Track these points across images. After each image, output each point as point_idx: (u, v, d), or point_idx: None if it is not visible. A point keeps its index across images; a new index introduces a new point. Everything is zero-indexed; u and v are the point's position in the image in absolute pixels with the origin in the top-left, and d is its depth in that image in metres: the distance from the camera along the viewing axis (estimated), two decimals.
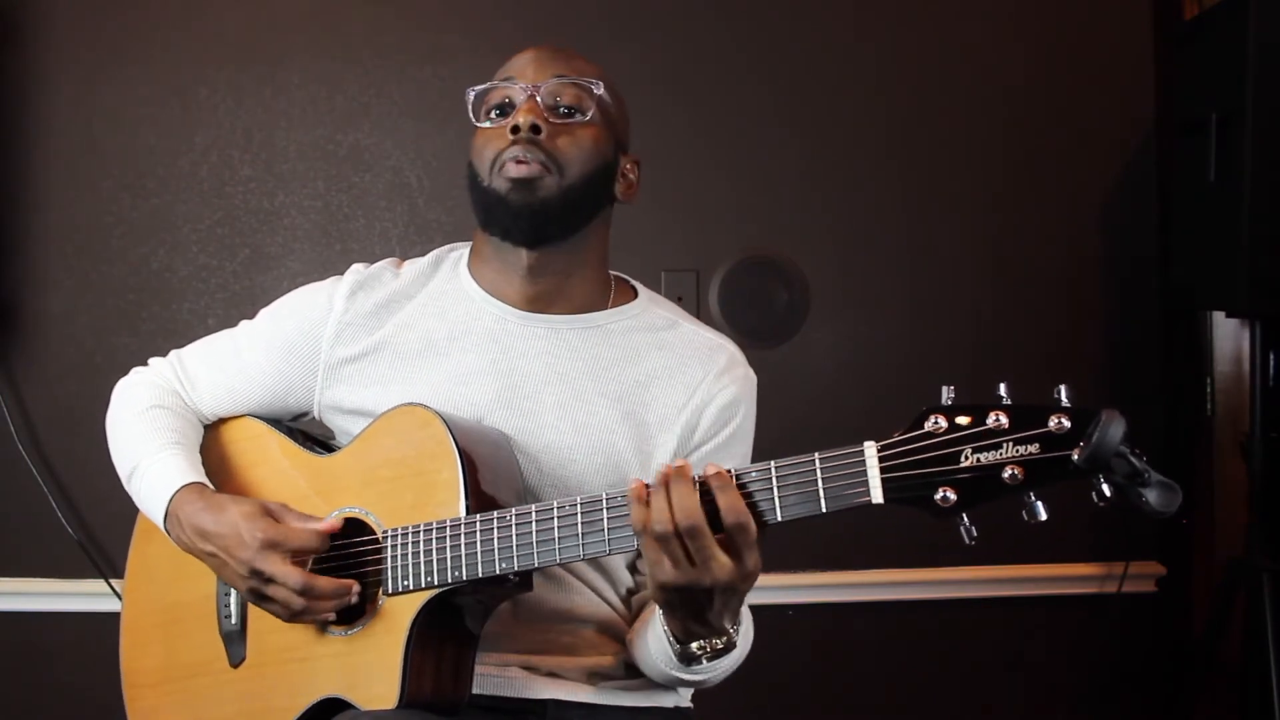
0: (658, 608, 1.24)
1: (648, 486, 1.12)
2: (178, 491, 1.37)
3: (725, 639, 1.20)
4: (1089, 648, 2.59)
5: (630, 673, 1.45)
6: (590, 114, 1.39)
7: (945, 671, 2.57)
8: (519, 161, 1.34)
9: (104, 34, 2.44)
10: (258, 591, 1.30)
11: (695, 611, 1.15)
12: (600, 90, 1.39)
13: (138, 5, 2.44)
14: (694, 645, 1.21)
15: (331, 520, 1.32)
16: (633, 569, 1.46)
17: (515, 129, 1.35)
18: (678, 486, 1.10)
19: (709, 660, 1.23)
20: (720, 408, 1.41)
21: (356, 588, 1.29)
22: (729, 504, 1.09)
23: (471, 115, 1.42)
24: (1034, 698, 2.58)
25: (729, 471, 1.11)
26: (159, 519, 1.39)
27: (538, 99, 1.37)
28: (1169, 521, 2.67)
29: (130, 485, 1.45)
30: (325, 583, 1.28)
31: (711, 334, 1.48)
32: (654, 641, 1.28)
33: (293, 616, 1.29)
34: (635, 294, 1.49)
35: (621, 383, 1.41)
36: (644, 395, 1.40)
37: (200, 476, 1.40)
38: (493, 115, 1.40)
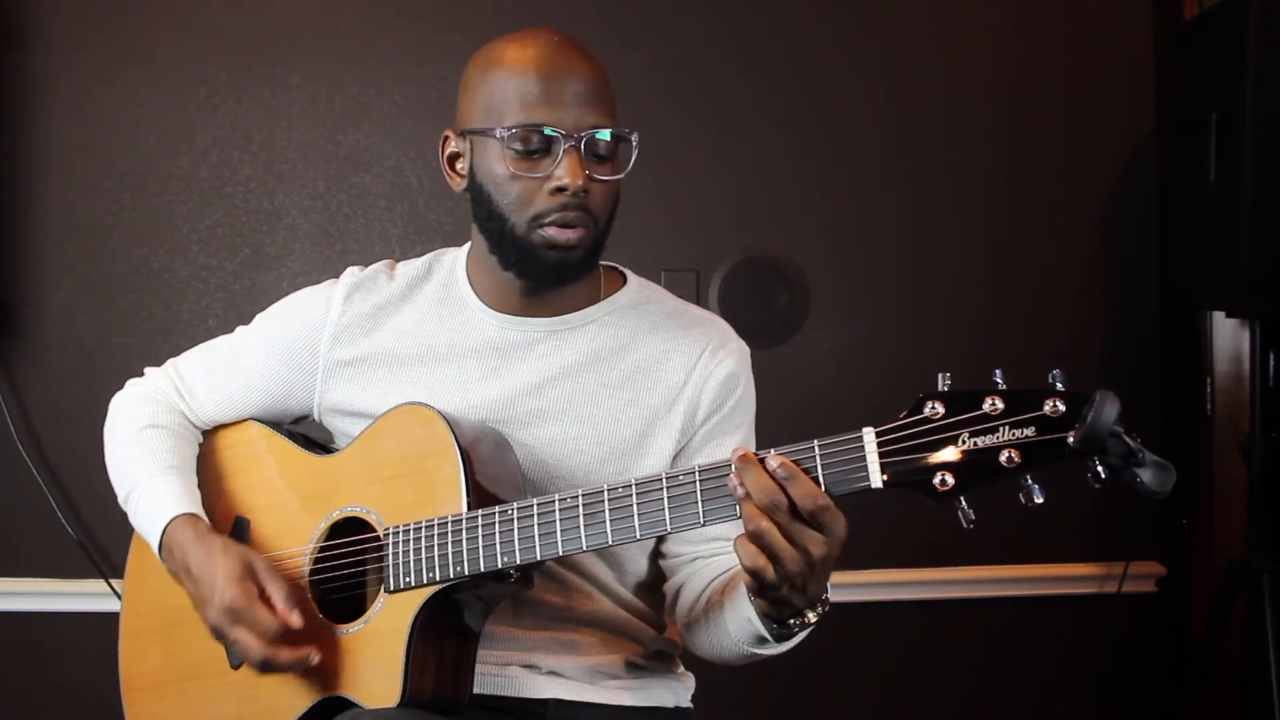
0: (736, 595, 1.23)
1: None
2: (171, 522, 1.38)
3: (820, 606, 1.17)
4: (1089, 648, 2.59)
5: (632, 672, 1.45)
6: (627, 165, 1.36)
7: (945, 671, 2.57)
8: (567, 227, 1.31)
9: (104, 34, 2.44)
10: (220, 637, 1.32)
11: (796, 588, 1.12)
12: (635, 139, 1.35)
13: (138, 6, 2.45)
14: (793, 622, 1.18)
15: (295, 615, 1.29)
16: (656, 555, 1.45)
17: (561, 189, 1.30)
18: (751, 477, 1.08)
19: (800, 631, 1.20)
20: (720, 382, 1.41)
21: (316, 657, 1.28)
22: (801, 492, 1.07)
23: (501, 146, 1.32)
24: (1034, 698, 2.58)
25: (731, 459, 1.11)
26: (154, 546, 1.40)
27: (580, 151, 1.31)
28: (1169, 521, 2.69)
29: (126, 507, 1.46)
30: (285, 656, 1.27)
31: (701, 312, 1.49)
32: (735, 627, 1.26)
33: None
34: (624, 279, 1.50)
35: (621, 370, 1.41)
36: (645, 380, 1.41)
37: (193, 506, 1.41)
38: (517, 148, 1.31)
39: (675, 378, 1.41)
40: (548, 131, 1.30)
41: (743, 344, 1.47)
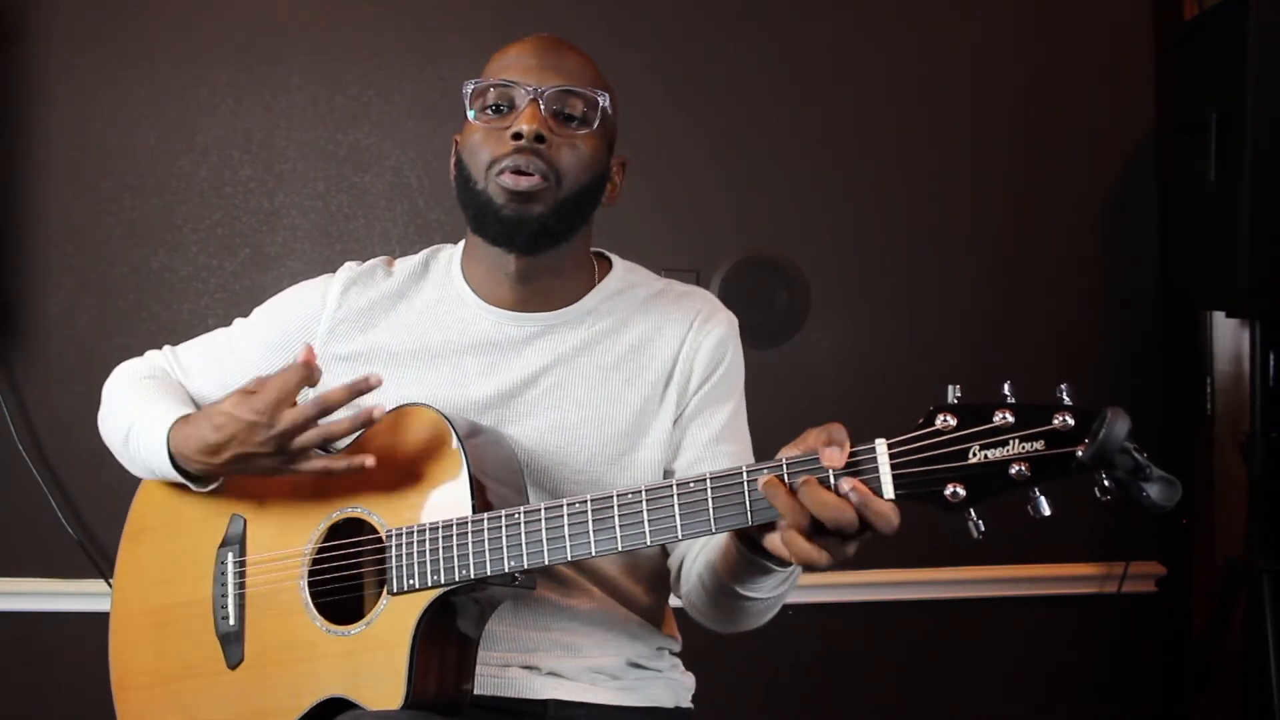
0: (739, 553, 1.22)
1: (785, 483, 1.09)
2: (170, 430, 1.36)
3: None
4: (1089, 648, 2.60)
5: (632, 672, 1.45)
6: (594, 125, 1.37)
7: (946, 671, 2.57)
8: (519, 172, 1.32)
9: (104, 34, 2.44)
10: (291, 456, 1.28)
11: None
12: (605, 102, 1.38)
13: (138, 6, 2.45)
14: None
15: (305, 353, 1.28)
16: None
17: (518, 135, 1.32)
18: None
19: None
20: (710, 350, 1.43)
21: (375, 378, 1.27)
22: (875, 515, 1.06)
23: (467, 107, 1.39)
24: (1034, 698, 2.58)
25: (743, 468, 1.11)
26: (166, 466, 1.37)
27: (540, 105, 1.34)
28: (1169, 521, 2.70)
29: (129, 451, 1.44)
30: (334, 392, 1.26)
31: (686, 286, 1.51)
32: (740, 571, 1.24)
33: (331, 454, 1.29)
34: (611, 264, 1.51)
35: (615, 353, 1.42)
36: (640, 358, 1.42)
37: (188, 409, 1.39)
38: (489, 111, 1.37)
39: (668, 351, 1.43)
40: (506, 81, 1.35)
41: (731, 314, 1.48)
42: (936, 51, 2.56)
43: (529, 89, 1.34)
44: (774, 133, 2.53)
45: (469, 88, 1.38)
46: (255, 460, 1.30)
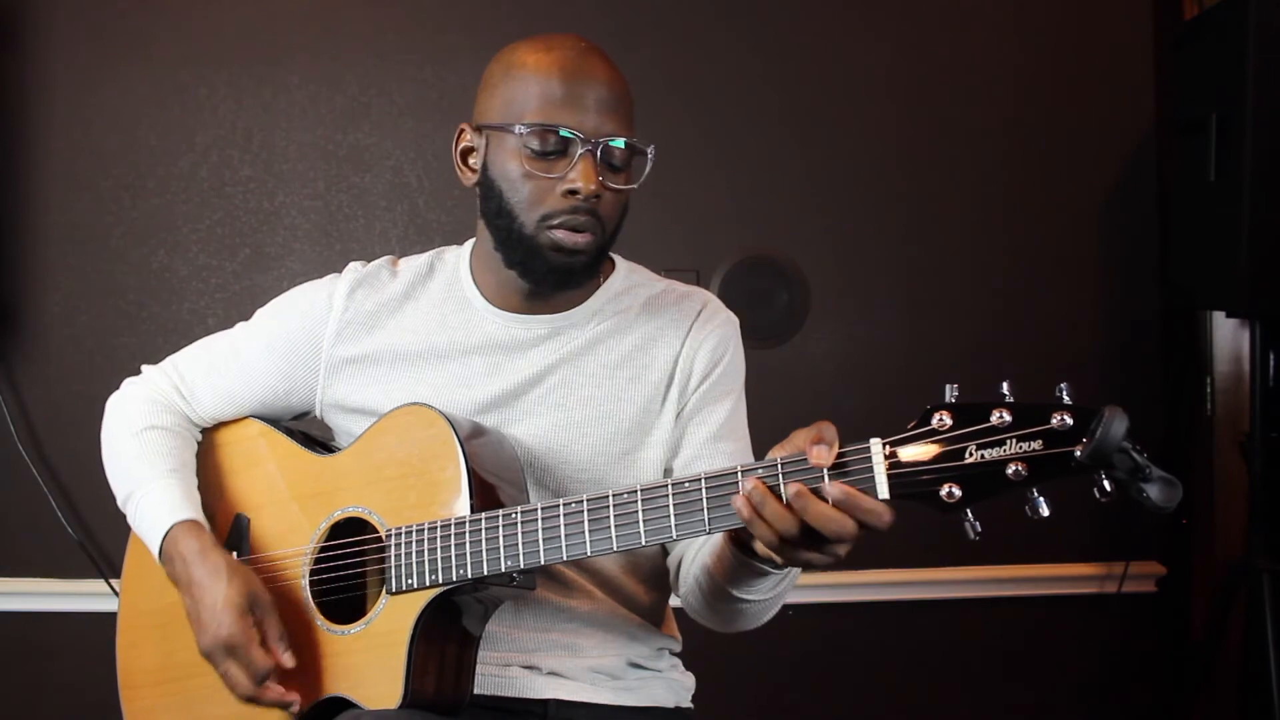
0: (734, 557, 1.22)
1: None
2: (171, 529, 1.38)
3: None
4: (1089, 648, 2.59)
5: (632, 672, 1.45)
6: (640, 177, 1.37)
7: (945, 671, 2.57)
8: (575, 231, 1.33)
9: (104, 34, 2.44)
10: (216, 666, 1.33)
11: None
12: (652, 154, 1.36)
13: (138, 6, 2.45)
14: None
15: (289, 657, 1.31)
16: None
17: (574, 191, 1.31)
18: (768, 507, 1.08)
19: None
20: (710, 350, 1.44)
21: (298, 705, 1.30)
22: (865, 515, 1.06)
23: (512, 130, 1.32)
24: (1034, 698, 2.58)
25: (737, 468, 1.11)
26: (154, 551, 1.40)
27: (595, 156, 1.32)
28: (1169, 521, 2.69)
29: (126, 509, 1.46)
30: (271, 695, 1.30)
31: (687, 287, 1.51)
32: (735, 574, 1.25)
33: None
34: (614, 264, 1.51)
35: (619, 352, 1.43)
36: (643, 358, 1.43)
37: (194, 512, 1.41)
38: (534, 146, 1.31)
39: (670, 351, 1.43)
40: (565, 133, 1.31)
41: (731, 314, 1.49)
42: (936, 51, 2.56)
43: (586, 143, 1.31)
44: (774, 133, 2.53)
45: (521, 130, 1.31)
46: (191, 622, 1.36)
